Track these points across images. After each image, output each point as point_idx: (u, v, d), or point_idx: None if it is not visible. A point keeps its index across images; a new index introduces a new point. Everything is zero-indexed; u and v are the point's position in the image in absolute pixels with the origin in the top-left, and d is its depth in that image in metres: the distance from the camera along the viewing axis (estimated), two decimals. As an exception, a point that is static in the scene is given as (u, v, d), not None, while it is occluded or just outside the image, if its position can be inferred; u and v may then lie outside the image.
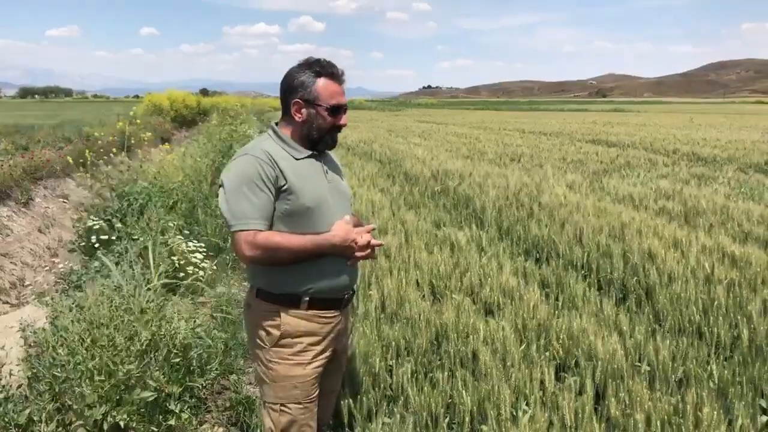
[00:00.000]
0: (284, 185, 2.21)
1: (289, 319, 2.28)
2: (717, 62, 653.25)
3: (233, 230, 2.19)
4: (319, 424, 2.50)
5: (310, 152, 2.33)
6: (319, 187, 2.30)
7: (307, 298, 2.27)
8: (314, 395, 2.35)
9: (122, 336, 3.09)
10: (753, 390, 2.87)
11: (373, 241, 2.32)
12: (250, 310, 2.40)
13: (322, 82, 2.28)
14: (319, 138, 2.32)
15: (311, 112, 2.29)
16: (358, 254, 2.28)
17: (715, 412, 2.52)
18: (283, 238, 2.19)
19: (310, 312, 2.29)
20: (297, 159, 2.29)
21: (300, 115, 2.31)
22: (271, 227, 2.23)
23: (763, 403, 2.82)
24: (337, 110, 2.30)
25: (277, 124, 2.38)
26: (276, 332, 2.28)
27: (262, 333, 2.32)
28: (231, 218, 2.19)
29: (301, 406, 2.32)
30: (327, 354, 2.38)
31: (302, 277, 2.26)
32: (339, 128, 2.35)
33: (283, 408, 2.31)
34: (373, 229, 2.41)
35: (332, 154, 2.53)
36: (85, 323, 3.20)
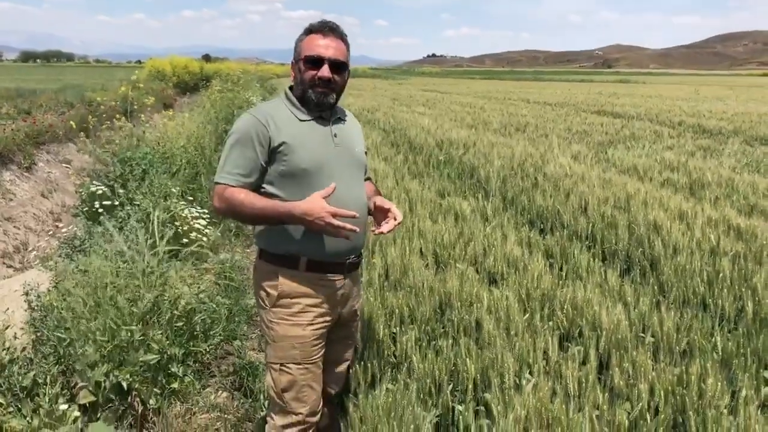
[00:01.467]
0: (281, 145, 2.20)
1: (287, 280, 2.28)
2: (724, 34, 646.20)
3: (214, 181, 2.26)
4: (327, 392, 2.50)
5: (316, 114, 2.30)
6: (320, 149, 2.26)
7: (305, 259, 2.27)
8: (315, 357, 2.34)
9: (125, 298, 3.10)
10: (757, 362, 2.87)
11: (345, 225, 2.10)
12: (255, 271, 2.43)
13: (307, 38, 2.28)
14: (303, 93, 2.28)
15: (298, 68, 2.30)
16: (328, 229, 2.11)
17: (719, 383, 2.52)
18: (246, 197, 2.17)
19: (309, 274, 2.28)
20: (301, 120, 2.28)
21: (293, 75, 2.34)
22: (260, 188, 2.24)
23: (767, 375, 2.81)
24: (315, 61, 2.24)
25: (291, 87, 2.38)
26: (274, 292, 2.30)
27: (263, 293, 2.34)
28: (218, 170, 2.26)
29: (300, 366, 2.31)
30: (329, 318, 2.37)
31: (300, 238, 2.24)
32: (325, 82, 2.25)
33: (282, 368, 2.32)
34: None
35: (353, 120, 2.52)
36: (89, 287, 3.20)
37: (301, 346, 2.30)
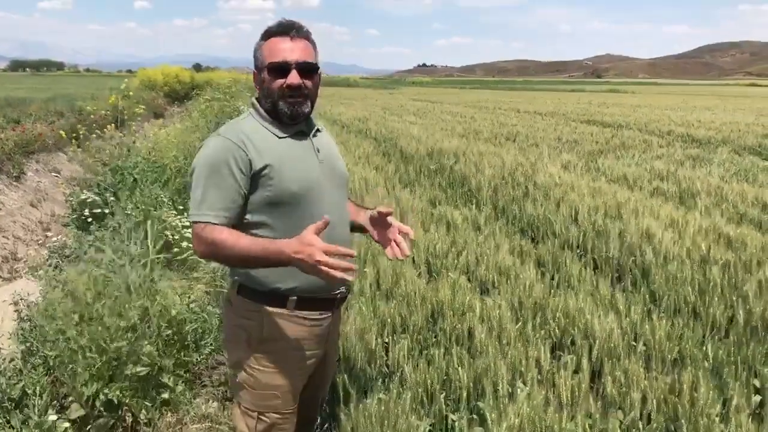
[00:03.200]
0: (263, 169, 1.91)
1: (273, 320, 1.99)
2: (713, 44, 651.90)
3: (190, 220, 1.94)
4: (302, 421, 2.23)
5: (295, 129, 2.03)
6: (307, 168, 1.99)
7: (295, 297, 1.98)
8: (296, 405, 2.12)
9: (110, 312, 3.06)
10: (747, 370, 2.88)
11: (340, 264, 1.70)
12: (230, 308, 2.10)
13: (268, 42, 1.98)
14: (273, 107, 1.98)
15: (262, 79, 2.01)
16: (327, 272, 1.70)
17: (711, 392, 2.53)
18: (229, 236, 1.84)
19: (298, 313, 2.00)
20: (280, 137, 1.99)
21: (258, 87, 2.04)
22: (242, 221, 1.94)
23: (758, 383, 2.83)
24: (281, 68, 1.94)
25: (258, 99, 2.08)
26: (258, 335, 2.00)
27: (243, 334, 2.03)
28: (191, 206, 1.93)
29: (280, 415, 2.07)
30: (314, 360, 2.12)
31: (288, 272, 1.86)
32: (295, 89, 1.95)
33: (261, 416, 2.06)
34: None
35: (326, 131, 2.22)
36: (72, 301, 3.17)
37: (284, 395, 2.06)
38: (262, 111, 2.03)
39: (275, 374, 2.03)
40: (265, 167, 1.91)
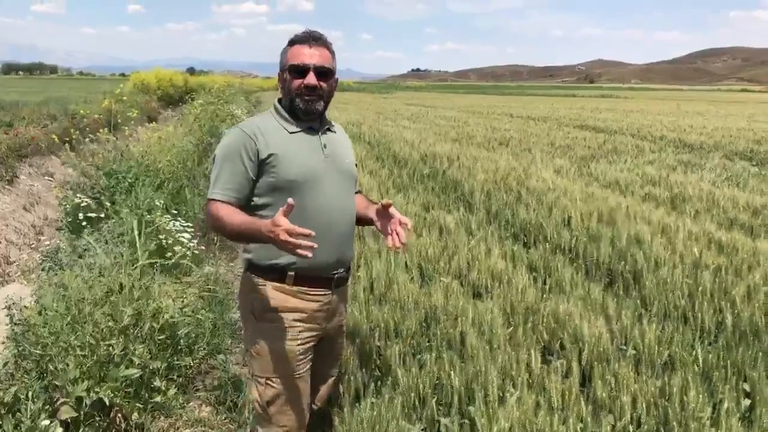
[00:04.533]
0: (269, 157, 2.19)
1: (274, 294, 2.26)
2: (705, 50, 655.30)
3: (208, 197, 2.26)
4: (310, 407, 2.46)
5: (305, 125, 2.30)
6: (309, 161, 2.25)
7: (293, 273, 2.24)
8: (302, 371, 2.32)
9: (103, 313, 3.07)
10: (737, 374, 2.90)
11: (299, 243, 1.90)
12: (241, 282, 2.41)
13: (291, 48, 2.28)
14: (290, 103, 2.28)
15: (284, 78, 2.30)
16: (291, 250, 1.91)
17: (701, 396, 2.55)
18: (226, 213, 2.14)
19: (296, 288, 2.26)
20: (290, 132, 2.27)
21: (280, 86, 2.33)
22: (250, 204, 2.23)
23: (747, 387, 2.85)
24: (300, 70, 2.23)
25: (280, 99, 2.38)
26: (261, 305, 2.27)
27: (249, 306, 2.32)
28: (210, 187, 2.24)
29: (286, 380, 2.29)
30: (315, 333, 2.34)
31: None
32: (311, 90, 2.24)
33: (269, 381, 2.29)
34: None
35: (342, 132, 2.51)
36: (66, 301, 3.17)
37: (288, 360, 2.28)
38: (280, 108, 2.32)
39: (278, 340, 2.27)
40: (270, 156, 2.19)
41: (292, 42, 2.29)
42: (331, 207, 2.25)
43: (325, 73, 2.26)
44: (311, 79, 2.22)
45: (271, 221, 1.95)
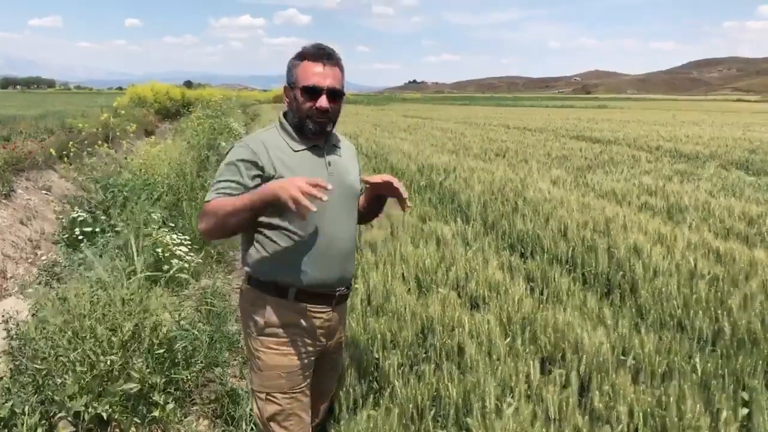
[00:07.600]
0: (273, 176, 2.15)
1: (276, 309, 2.24)
2: (700, 60, 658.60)
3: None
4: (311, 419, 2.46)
5: (310, 143, 2.25)
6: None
7: (295, 290, 2.23)
8: (302, 385, 2.31)
9: (103, 327, 3.07)
10: (735, 382, 2.91)
11: (312, 190, 1.91)
12: (241, 296, 2.39)
13: (303, 64, 2.20)
14: (300, 123, 2.23)
15: (293, 95, 2.23)
16: (294, 204, 1.90)
17: (698, 405, 2.55)
18: (218, 202, 2.09)
19: (298, 304, 2.25)
20: (295, 150, 2.23)
21: (287, 101, 2.28)
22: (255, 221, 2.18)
23: (745, 396, 2.85)
24: (313, 92, 2.17)
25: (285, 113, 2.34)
26: (262, 320, 2.26)
27: (250, 320, 2.30)
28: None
29: (287, 396, 2.28)
30: (316, 349, 2.34)
31: (290, 266, 2.20)
32: (323, 113, 2.19)
33: (269, 397, 2.28)
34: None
35: (347, 145, 2.47)
36: (66, 315, 3.17)
37: (288, 375, 2.27)
38: (286, 125, 2.28)
39: (278, 356, 2.26)
40: (274, 175, 2.15)
41: (303, 56, 2.21)
42: (333, 226, 2.24)
43: (336, 94, 2.21)
44: (323, 102, 2.18)
45: (290, 180, 1.95)
